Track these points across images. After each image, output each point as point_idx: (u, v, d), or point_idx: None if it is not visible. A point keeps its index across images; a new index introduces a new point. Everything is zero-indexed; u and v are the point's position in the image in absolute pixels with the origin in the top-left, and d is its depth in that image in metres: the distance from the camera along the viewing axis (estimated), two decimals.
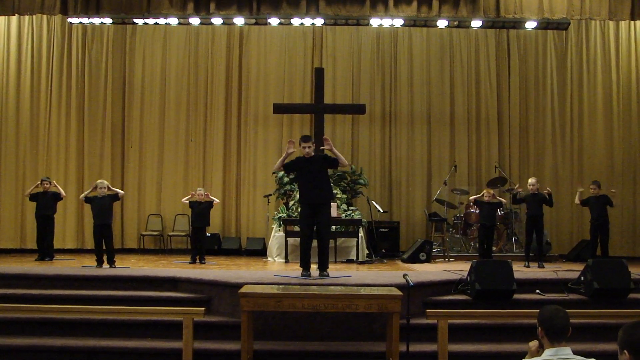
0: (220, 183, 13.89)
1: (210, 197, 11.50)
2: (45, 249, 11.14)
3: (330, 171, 9.23)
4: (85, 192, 10.39)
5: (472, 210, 12.27)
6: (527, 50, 14.15)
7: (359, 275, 8.70)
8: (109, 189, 10.30)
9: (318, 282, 7.82)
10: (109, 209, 10.18)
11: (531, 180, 10.91)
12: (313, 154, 8.54)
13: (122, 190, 11.02)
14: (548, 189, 10.95)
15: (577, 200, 11.26)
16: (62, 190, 11.28)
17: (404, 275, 6.44)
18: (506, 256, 11.55)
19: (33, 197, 11.18)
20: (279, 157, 13.61)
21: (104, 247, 9.97)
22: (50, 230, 11.21)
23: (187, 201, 11.35)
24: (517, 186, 11.05)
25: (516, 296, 7.75)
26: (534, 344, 3.71)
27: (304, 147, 8.44)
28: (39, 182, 11.24)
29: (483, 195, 11.12)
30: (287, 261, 11.29)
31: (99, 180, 10.50)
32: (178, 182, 13.89)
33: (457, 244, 13.09)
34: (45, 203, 11.11)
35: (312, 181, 8.37)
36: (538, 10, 11.10)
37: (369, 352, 6.79)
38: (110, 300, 7.70)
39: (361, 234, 11.67)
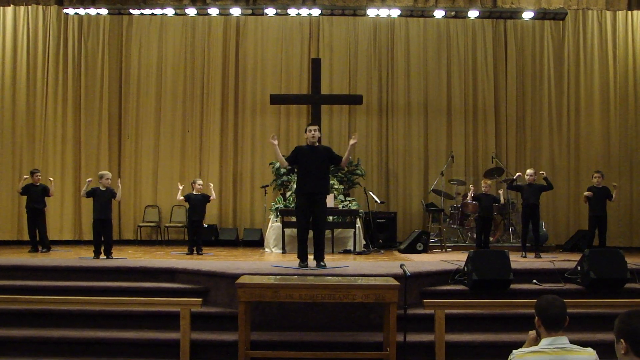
0: (217, 174, 13.88)
1: (211, 190, 11.48)
2: (37, 241, 11.14)
3: None
4: (83, 189, 10.32)
5: (469, 201, 12.28)
6: (524, 41, 14.14)
7: (356, 266, 8.70)
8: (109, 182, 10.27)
9: (315, 272, 7.82)
10: (110, 203, 10.17)
11: (529, 171, 10.89)
12: (317, 144, 8.53)
13: (119, 183, 10.93)
14: (542, 172, 10.94)
15: (585, 201, 11.30)
16: (52, 188, 11.27)
17: (401, 266, 6.44)
18: (503, 246, 11.58)
19: (24, 190, 11.19)
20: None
21: (102, 239, 9.98)
22: (42, 222, 11.20)
23: (182, 197, 11.29)
24: (516, 175, 11.04)
25: (513, 286, 7.75)
26: (533, 333, 3.72)
27: (310, 131, 8.44)
28: (26, 177, 11.24)
29: (481, 186, 11.12)
30: (284, 252, 11.30)
31: (104, 172, 10.46)
32: (175, 173, 13.87)
33: (454, 234, 13.11)
34: (36, 196, 11.10)
35: (311, 171, 8.34)
36: (535, 1, 11.08)
37: (366, 342, 6.79)
38: (107, 291, 7.69)
39: (358, 224, 11.69)
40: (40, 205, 11.16)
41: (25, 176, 11.39)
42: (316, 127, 8.52)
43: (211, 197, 11.40)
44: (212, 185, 11.76)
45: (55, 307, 7.21)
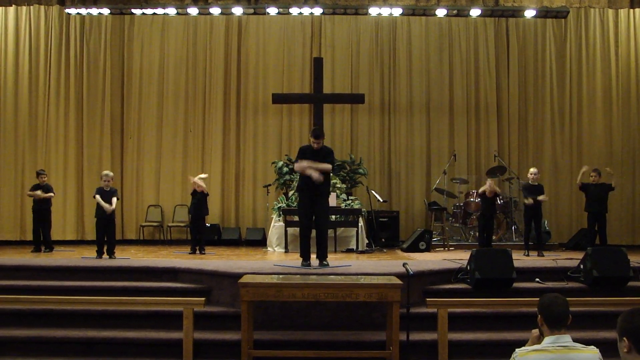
0: (219, 173, 13.87)
1: (199, 183, 11.31)
2: (40, 241, 11.16)
3: None
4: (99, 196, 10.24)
5: (472, 199, 12.28)
6: (526, 39, 14.11)
7: (358, 265, 8.71)
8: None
9: (318, 271, 7.84)
10: (111, 203, 10.18)
11: (532, 170, 10.88)
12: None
13: (121, 181, 10.90)
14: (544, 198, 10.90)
15: (578, 181, 11.24)
16: (51, 194, 11.27)
17: (404, 264, 6.45)
18: (506, 245, 11.57)
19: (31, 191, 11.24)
20: (278, 146, 13.83)
21: (105, 239, 9.99)
22: (47, 222, 11.22)
23: (196, 181, 11.21)
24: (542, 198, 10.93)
25: (516, 285, 7.77)
26: (536, 331, 3.72)
27: (314, 143, 8.48)
28: (34, 191, 11.21)
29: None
30: (287, 251, 11.30)
31: (104, 172, 10.52)
32: (177, 173, 13.87)
33: (456, 233, 13.10)
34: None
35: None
36: None
37: (369, 341, 6.80)
38: (110, 291, 7.71)
39: (361, 223, 11.68)
40: (47, 204, 11.18)
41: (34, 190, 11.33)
42: (319, 142, 8.50)
43: (203, 177, 11.31)
44: (191, 178, 11.41)
45: (57, 307, 7.24)
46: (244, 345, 6.21)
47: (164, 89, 14.02)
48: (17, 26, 13.77)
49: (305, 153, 8.54)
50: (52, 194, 11.23)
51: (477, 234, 11.64)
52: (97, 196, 10.06)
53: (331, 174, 8.89)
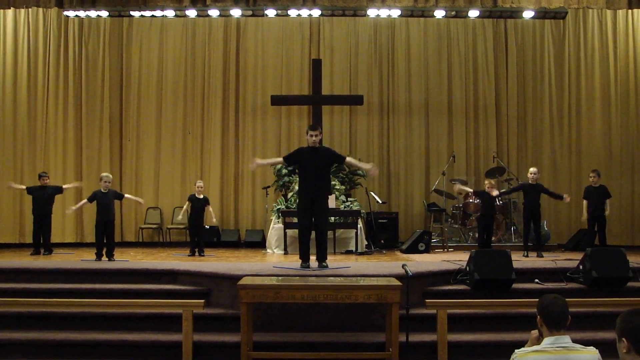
0: (218, 175, 13.88)
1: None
2: (40, 244, 11.16)
3: None
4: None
5: (471, 201, 12.28)
6: (524, 40, 14.12)
7: (358, 266, 8.70)
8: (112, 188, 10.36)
9: (317, 273, 7.83)
10: (112, 205, 10.17)
11: (532, 170, 10.87)
12: (318, 145, 8.53)
13: (120, 183, 10.90)
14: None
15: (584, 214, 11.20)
16: (16, 186, 11.41)
17: (403, 266, 6.44)
18: (505, 246, 11.56)
19: (30, 191, 11.21)
20: (277, 148, 13.84)
21: (105, 241, 9.98)
22: (47, 226, 11.22)
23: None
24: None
25: (515, 286, 7.75)
26: (535, 332, 3.72)
27: (312, 135, 8.41)
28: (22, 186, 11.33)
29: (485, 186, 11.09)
30: (286, 253, 11.29)
31: (103, 174, 10.52)
32: (176, 175, 13.88)
33: (455, 234, 13.09)
34: (44, 200, 11.11)
35: (312, 173, 8.36)
36: (535, 0, 11.07)
37: (368, 343, 6.80)
38: (109, 293, 7.70)
39: (360, 225, 11.68)
40: (48, 209, 11.18)
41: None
42: (317, 132, 8.44)
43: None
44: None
45: (57, 309, 7.22)
46: (243, 347, 6.21)
47: (163, 91, 14.03)
48: (16, 28, 13.76)
49: (302, 154, 8.52)
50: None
51: (477, 234, 11.62)
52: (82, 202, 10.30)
53: (330, 176, 8.87)
